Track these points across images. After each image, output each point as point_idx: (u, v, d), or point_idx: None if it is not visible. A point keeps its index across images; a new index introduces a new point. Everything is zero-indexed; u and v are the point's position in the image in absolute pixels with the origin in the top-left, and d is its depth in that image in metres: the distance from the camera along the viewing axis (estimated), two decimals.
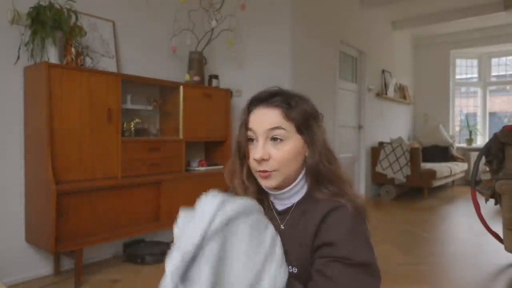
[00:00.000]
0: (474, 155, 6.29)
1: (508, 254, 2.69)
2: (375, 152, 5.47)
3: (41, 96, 2.29)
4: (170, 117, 3.18)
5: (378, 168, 5.35)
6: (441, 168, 5.49)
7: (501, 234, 2.79)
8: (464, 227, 3.96)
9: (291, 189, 0.89)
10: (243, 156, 0.92)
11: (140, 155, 2.77)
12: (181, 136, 3.07)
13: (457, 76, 7.33)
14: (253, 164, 0.88)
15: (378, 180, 5.47)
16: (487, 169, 3.01)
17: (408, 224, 3.88)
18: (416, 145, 6.08)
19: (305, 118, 0.87)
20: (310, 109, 0.89)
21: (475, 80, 7.37)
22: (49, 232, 2.22)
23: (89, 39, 2.75)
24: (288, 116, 0.86)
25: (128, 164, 2.67)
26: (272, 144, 0.86)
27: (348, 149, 5.11)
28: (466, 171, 6.46)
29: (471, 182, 3.03)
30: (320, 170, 0.87)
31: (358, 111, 5.35)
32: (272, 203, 0.95)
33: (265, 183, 0.88)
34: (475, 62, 7.34)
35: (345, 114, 4.98)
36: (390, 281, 2.37)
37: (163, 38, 3.35)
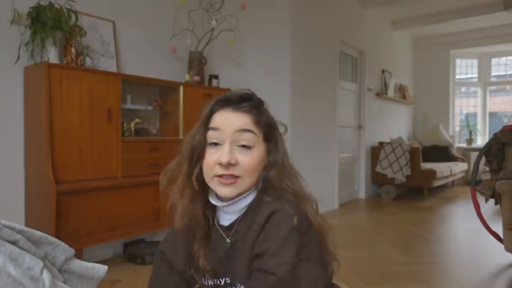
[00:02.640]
0: (474, 155, 6.29)
1: (508, 254, 2.68)
2: (375, 152, 5.46)
3: (41, 96, 2.29)
4: (170, 117, 3.18)
5: (378, 168, 5.34)
6: (441, 168, 5.49)
7: (501, 234, 2.78)
8: (464, 227, 3.96)
9: (240, 200, 0.83)
10: (197, 159, 0.84)
11: (140, 155, 2.77)
12: (181, 136, 3.07)
13: (457, 76, 7.33)
14: (212, 168, 0.80)
15: (378, 180, 5.47)
16: (487, 169, 3.00)
17: (408, 224, 3.88)
18: (416, 145, 6.07)
19: (271, 126, 0.85)
20: (272, 118, 0.87)
21: (475, 80, 7.36)
22: (49, 232, 2.22)
23: (89, 39, 2.74)
24: (258, 123, 0.82)
25: (128, 164, 2.67)
26: (239, 150, 0.80)
27: (348, 149, 5.11)
28: (466, 171, 6.45)
29: (471, 182, 3.02)
30: (275, 184, 0.82)
31: (358, 111, 5.36)
32: (217, 217, 0.88)
33: (224, 191, 0.81)
34: (475, 62, 7.34)
35: (345, 114, 4.98)
36: (390, 281, 2.37)
37: (163, 38, 3.35)
